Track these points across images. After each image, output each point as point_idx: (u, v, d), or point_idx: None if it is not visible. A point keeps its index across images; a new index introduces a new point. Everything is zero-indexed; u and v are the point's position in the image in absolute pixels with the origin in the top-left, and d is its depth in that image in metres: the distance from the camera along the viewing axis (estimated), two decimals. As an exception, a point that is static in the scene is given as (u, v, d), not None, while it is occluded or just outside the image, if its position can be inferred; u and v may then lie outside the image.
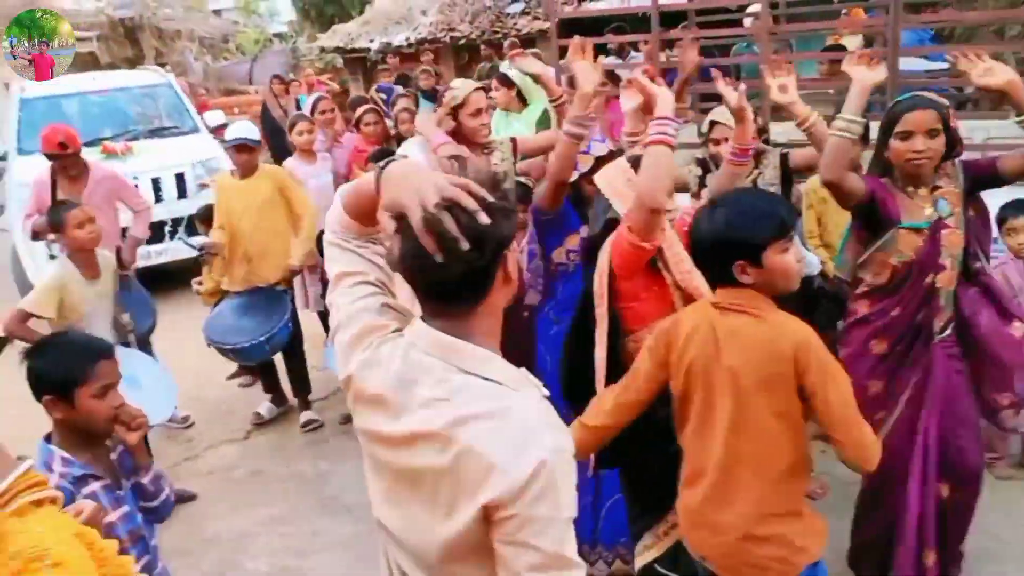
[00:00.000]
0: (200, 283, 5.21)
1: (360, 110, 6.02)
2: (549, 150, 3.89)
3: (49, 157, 5.07)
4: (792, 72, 3.01)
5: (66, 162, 5.06)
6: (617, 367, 2.57)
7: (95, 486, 2.21)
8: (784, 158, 3.60)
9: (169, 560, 3.72)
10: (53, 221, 4.01)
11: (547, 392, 1.45)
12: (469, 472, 1.35)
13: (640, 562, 2.67)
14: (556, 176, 3.16)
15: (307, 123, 5.61)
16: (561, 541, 1.33)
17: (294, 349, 5.00)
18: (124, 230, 5.25)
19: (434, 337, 1.43)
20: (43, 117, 8.37)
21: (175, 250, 7.44)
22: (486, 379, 1.39)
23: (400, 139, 5.91)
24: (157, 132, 8.73)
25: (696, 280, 2.53)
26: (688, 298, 2.54)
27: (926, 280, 2.77)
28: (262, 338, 4.61)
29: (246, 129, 4.96)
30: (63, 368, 2.20)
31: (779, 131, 4.36)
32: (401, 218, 1.37)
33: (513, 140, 3.70)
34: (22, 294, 7.10)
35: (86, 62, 17.11)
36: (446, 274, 1.36)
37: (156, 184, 7.78)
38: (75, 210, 3.99)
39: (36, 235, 5.07)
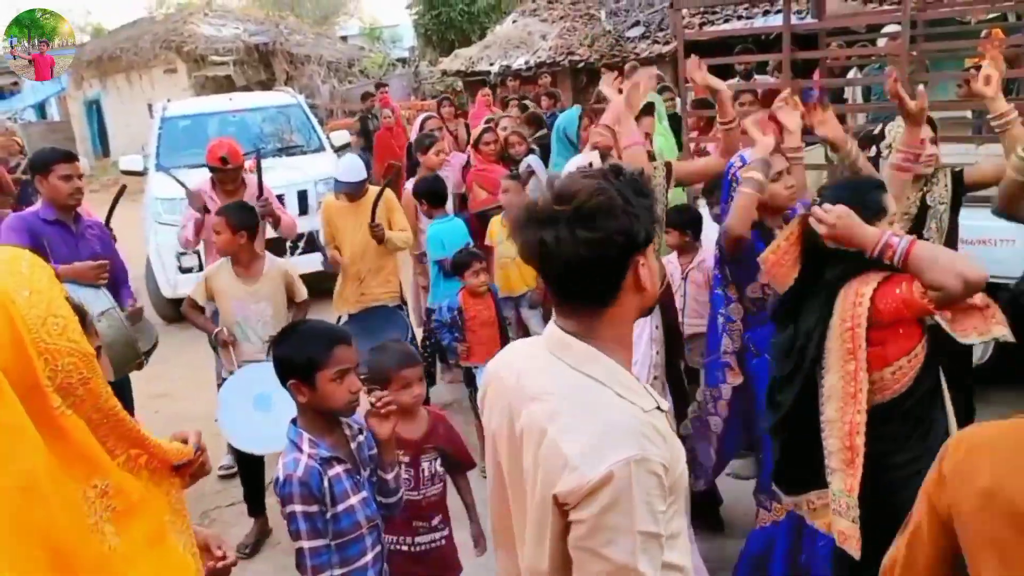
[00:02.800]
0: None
1: (478, 129, 6.11)
2: (705, 178, 3.75)
3: (211, 170, 5.10)
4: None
5: (224, 176, 5.04)
6: None
7: (339, 469, 2.30)
8: (958, 176, 3.34)
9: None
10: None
11: (667, 406, 1.40)
12: (549, 465, 1.32)
13: None
14: (733, 231, 2.85)
15: (441, 143, 5.76)
16: (633, 554, 1.27)
17: None
18: (268, 242, 5.20)
19: (553, 333, 1.43)
20: (182, 135, 8.75)
21: (295, 265, 7.62)
22: (589, 376, 1.37)
23: (513, 160, 5.94)
24: (285, 150, 8.99)
25: None
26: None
27: None
28: None
29: (354, 171, 4.90)
30: (303, 354, 2.30)
31: (945, 151, 4.05)
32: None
33: (668, 164, 3.58)
34: (154, 307, 7.49)
35: (222, 84, 18.14)
36: (571, 267, 1.34)
37: (280, 201, 7.97)
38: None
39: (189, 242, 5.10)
